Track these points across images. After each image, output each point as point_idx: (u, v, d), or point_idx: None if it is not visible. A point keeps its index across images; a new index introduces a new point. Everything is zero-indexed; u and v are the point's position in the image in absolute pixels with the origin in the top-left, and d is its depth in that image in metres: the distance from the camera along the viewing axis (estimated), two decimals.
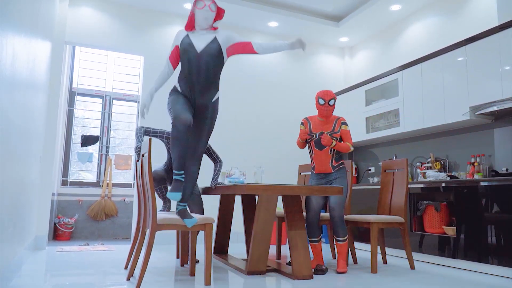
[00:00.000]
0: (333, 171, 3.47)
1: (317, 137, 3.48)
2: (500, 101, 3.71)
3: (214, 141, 5.56)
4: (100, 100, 6.36)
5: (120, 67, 6.51)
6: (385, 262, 3.87)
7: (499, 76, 3.72)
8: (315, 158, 3.52)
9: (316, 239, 3.46)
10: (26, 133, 2.87)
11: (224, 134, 5.65)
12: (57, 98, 4.66)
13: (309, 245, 4.65)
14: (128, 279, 2.88)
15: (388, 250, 4.51)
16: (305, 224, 3.48)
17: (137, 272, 3.18)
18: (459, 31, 4.67)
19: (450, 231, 3.75)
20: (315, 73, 6.40)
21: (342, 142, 3.50)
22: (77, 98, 6.19)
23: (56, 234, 5.55)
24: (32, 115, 3.15)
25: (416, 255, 4.13)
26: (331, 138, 3.41)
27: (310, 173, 4.37)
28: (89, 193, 5.98)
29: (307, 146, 3.79)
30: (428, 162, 4.68)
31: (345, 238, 3.37)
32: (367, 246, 4.82)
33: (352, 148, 3.46)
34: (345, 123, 3.51)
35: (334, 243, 3.76)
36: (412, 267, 3.56)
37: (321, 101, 3.45)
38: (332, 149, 3.47)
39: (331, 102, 3.44)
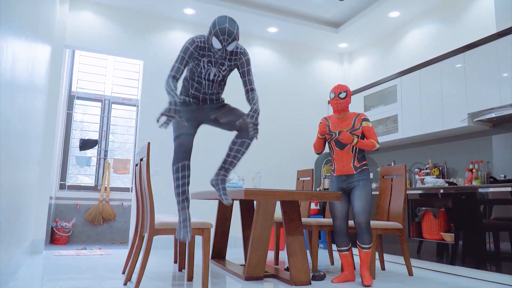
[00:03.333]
0: (355, 172, 3.20)
1: (337, 135, 3.25)
2: (498, 107, 3.72)
3: (213, 146, 5.55)
4: (99, 104, 6.36)
5: (120, 71, 6.52)
6: (383, 268, 3.86)
7: (497, 83, 3.73)
8: (336, 158, 3.28)
9: (345, 248, 3.22)
10: (25, 136, 2.87)
11: (223, 138, 5.65)
12: (56, 102, 4.67)
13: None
14: (125, 284, 2.86)
15: (386, 256, 4.50)
16: (333, 233, 3.29)
17: (134, 277, 3.17)
18: (458, 38, 4.69)
19: (449, 237, 3.74)
20: (314, 79, 6.42)
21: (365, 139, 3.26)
22: (76, 101, 6.19)
23: (53, 238, 5.52)
24: (31, 118, 3.15)
25: (414, 262, 4.13)
26: (352, 135, 3.15)
27: (308, 178, 4.36)
28: (87, 197, 5.97)
29: (326, 147, 3.53)
30: (426, 168, 4.68)
31: (371, 245, 3.14)
32: None
33: (378, 145, 3.19)
34: (366, 119, 3.24)
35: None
36: (410, 273, 3.55)
37: (332, 95, 3.23)
38: (354, 148, 3.22)
39: (342, 95, 3.19)
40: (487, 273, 3.39)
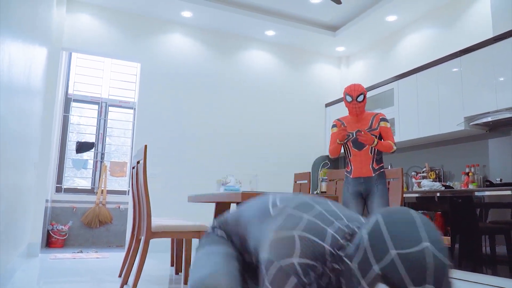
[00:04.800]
0: (373, 175, 3.05)
1: (354, 136, 3.10)
2: (494, 112, 3.74)
3: (210, 149, 5.55)
4: (96, 106, 6.35)
5: (117, 74, 6.52)
6: None
7: (494, 87, 3.75)
8: (353, 160, 3.11)
9: None
10: (22, 139, 2.86)
11: (221, 142, 5.65)
12: (53, 104, 4.65)
13: None
14: (121, 287, 2.85)
15: None
16: None
17: (131, 280, 3.15)
18: (454, 42, 4.72)
19: (445, 240, 3.75)
20: (311, 82, 6.43)
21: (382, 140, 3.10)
22: (73, 104, 6.18)
23: (50, 241, 5.49)
24: (28, 121, 3.14)
25: None
26: (372, 136, 2.96)
27: (305, 181, 4.35)
28: (84, 200, 5.94)
29: (342, 150, 3.25)
30: (423, 172, 4.70)
31: None
32: None
33: (395, 147, 3.03)
34: (384, 119, 3.11)
35: None
36: None
37: (349, 98, 3.05)
38: (373, 149, 3.06)
39: (360, 98, 3.03)
40: (484, 276, 3.40)
